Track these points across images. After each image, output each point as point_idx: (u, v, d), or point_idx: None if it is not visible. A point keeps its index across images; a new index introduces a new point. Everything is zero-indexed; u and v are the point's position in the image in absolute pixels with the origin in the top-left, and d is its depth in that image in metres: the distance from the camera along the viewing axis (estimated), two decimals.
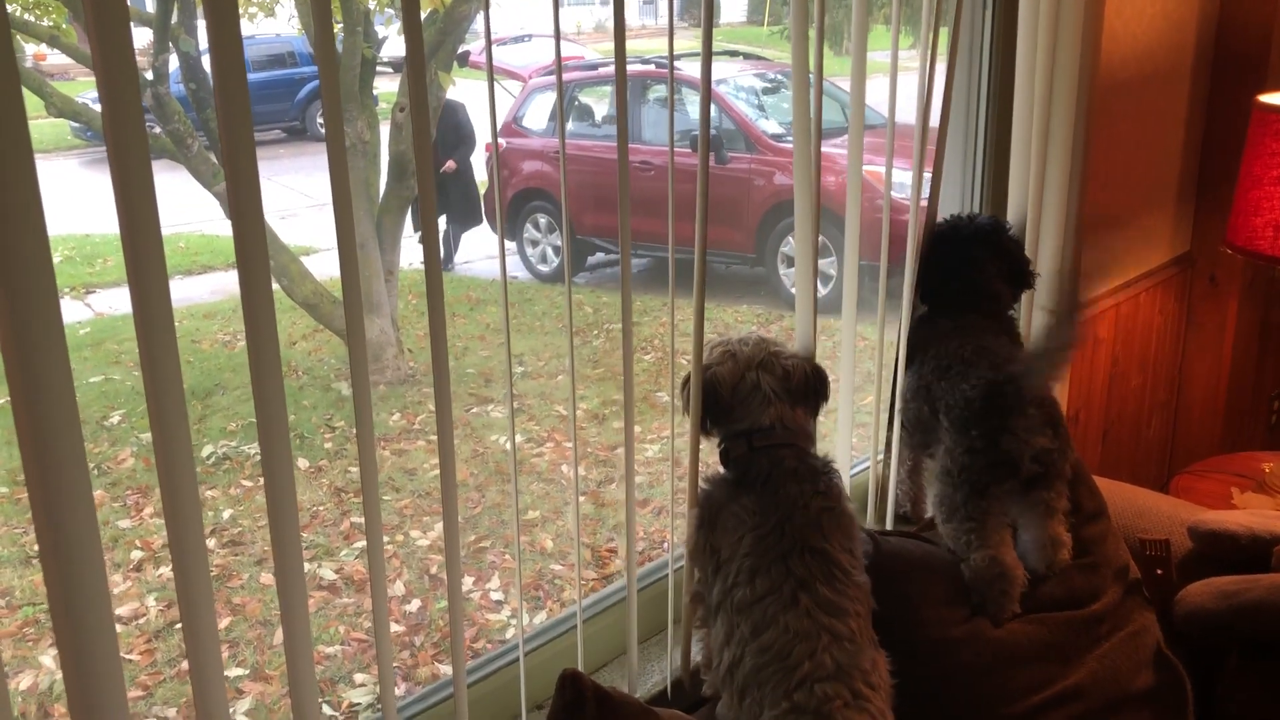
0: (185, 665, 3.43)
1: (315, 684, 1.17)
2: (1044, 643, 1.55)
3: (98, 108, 0.90)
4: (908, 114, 1.82)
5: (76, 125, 8.65)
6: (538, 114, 7.61)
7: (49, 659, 3.38)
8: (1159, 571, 1.79)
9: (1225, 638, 1.70)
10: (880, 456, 1.94)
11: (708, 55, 1.38)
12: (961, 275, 1.78)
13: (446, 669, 3.39)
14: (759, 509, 1.38)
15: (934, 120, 1.81)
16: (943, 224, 1.85)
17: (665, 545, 4.09)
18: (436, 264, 1.21)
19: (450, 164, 7.11)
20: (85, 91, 6.58)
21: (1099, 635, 1.61)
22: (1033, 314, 2.11)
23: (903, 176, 1.85)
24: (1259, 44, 2.68)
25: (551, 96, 7.58)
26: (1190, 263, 2.89)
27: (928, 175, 1.86)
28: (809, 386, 1.46)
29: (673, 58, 1.49)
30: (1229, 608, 1.67)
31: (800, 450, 1.43)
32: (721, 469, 1.47)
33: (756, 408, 1.43)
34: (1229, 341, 2.90)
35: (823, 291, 6.33)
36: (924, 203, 1.83)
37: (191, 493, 1.00)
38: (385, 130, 5.66)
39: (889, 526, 1.93)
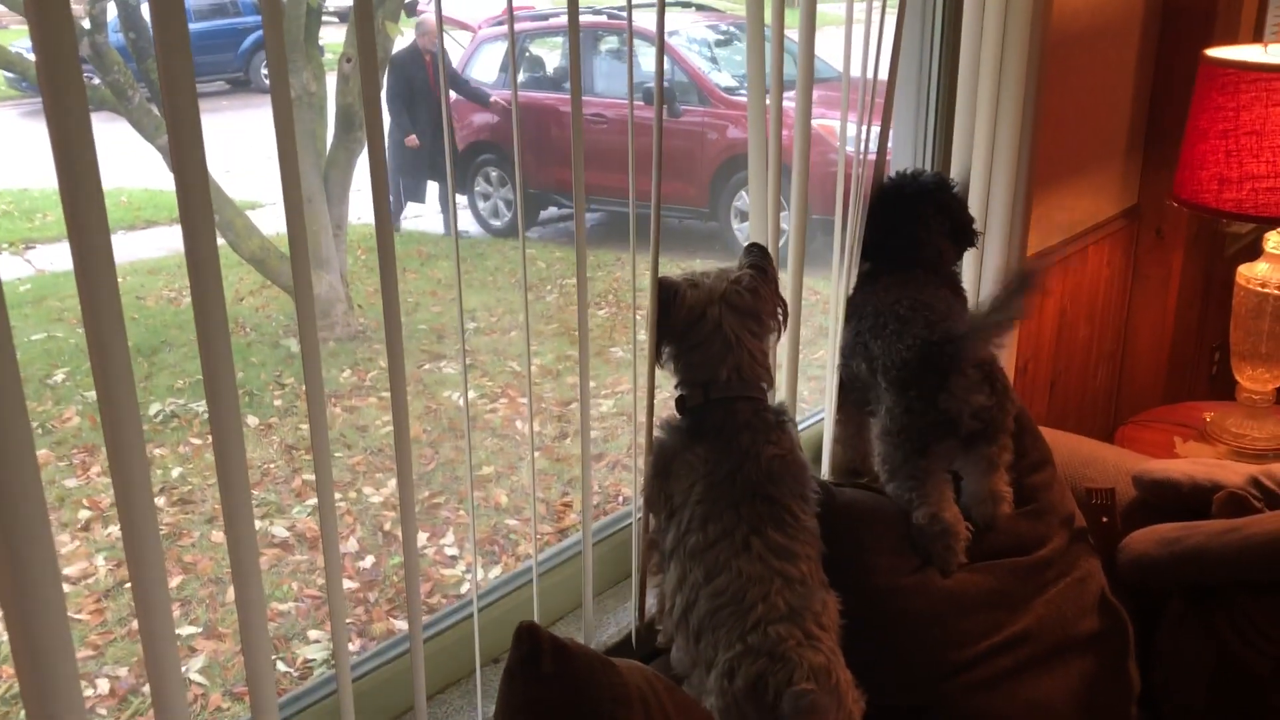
0: (136, 624, 3.40)
1: (269, 640, 1.16)
2: (991, 589, 1.58)
3: (33, 57, 0.87)
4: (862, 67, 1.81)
5: (11, 75, 8.40)
6: (487, 66, 7.51)
7: None
8: (1104, 519, 1.82)
9: (1167, 583, 1.75)
10: (836, 414, 1.95)
11: (662, 6, 1.37)
12: (903, 232, 1.78)
13: (401, 624, 3.39)
14: (711, 457, 1.39)
15: (884, 73, 1.81)
16: (887, 181, 1.85)
17: (620, 499, 4.11)
18: (387, 220, 1.19)
19: (413, 139, 6.93)
20: (19, 40, 6.39)
21: (1045, 581, 1.64)
22: (981, 271, 2.13)
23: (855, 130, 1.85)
24: None
25: (500, 48, 7.48)
26: (1138, 216, 2.92)
27: (878, 128, 1.86)
28: (767, 306, 1.46)
29: (631, 6, 1.47)
30: (1170, 554, 1.71)
31: (756, 402, 1.43)
32: (677, 414, 1.47)
33: (716, 355, 1.42)
34: (1173, 294, 2.95)
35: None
36: (873, 156, 1.83)
37: (138, 450, 0.99)
38: (332, 81, 5.56)
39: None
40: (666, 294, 1.44)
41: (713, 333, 1.42)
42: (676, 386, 1.48)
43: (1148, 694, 1.72)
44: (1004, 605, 1.58)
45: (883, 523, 1.58)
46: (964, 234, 1.84)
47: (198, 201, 0.99)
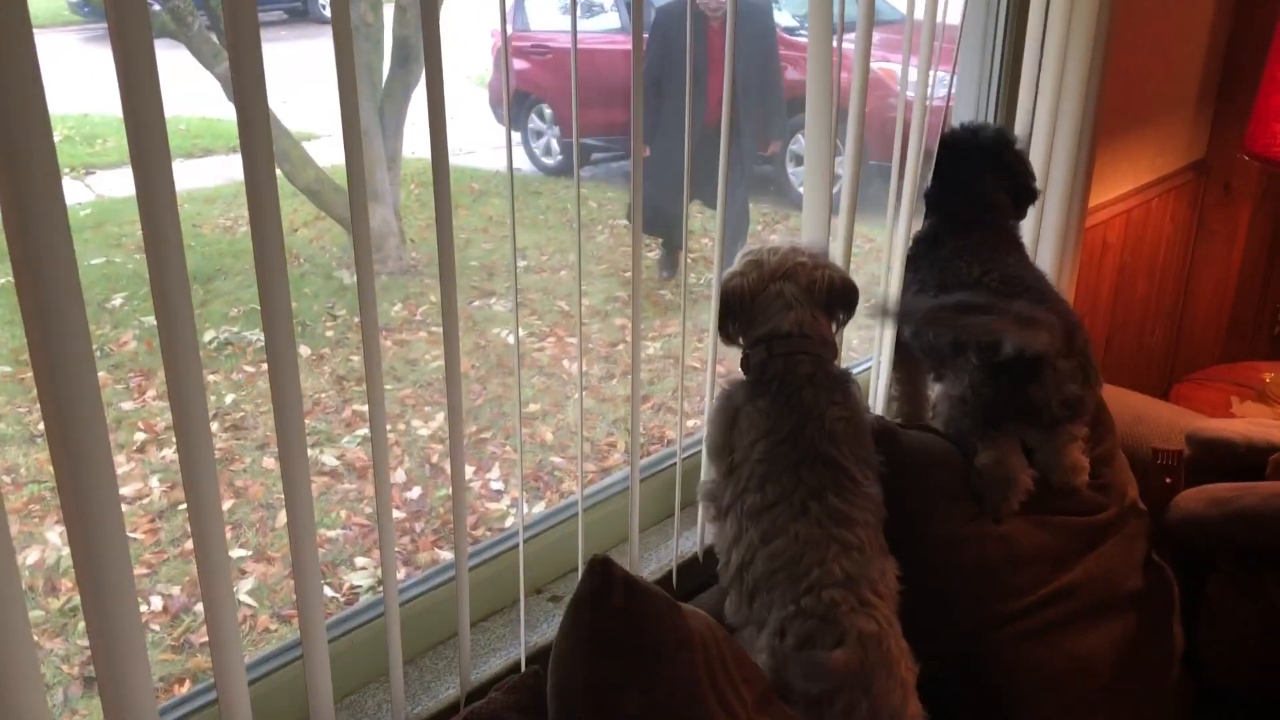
0: (189, 545, 3.49)
1: (318, 566, 1.19)
2: (1044, 544, 1.57)
3: None
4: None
5: (74, 1, 8.47)
6: (542, 7, 7.42)
7: (55, 535, 3.44)
8: (1168, 480, 1.80)
9: (1216, 543, 1.73)
10: (894, 372, 1.93)
11: None
12: (963, 188, 1.75)
13: (446, 555, 3.45)
14: (775, 413, 1.39)
15: (951, 17, 1.77)
16: (947, 134, 1.81)
17: (665, 442, 4.13)
18: (444, 154, 1.19)
19: (776, 145, 5.01)
20: None
21: (1095, 540, 1.62)
22: (1040, 226, 2.08)
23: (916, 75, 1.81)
24: None
25: None
26: (1205, 170, 2.85)
27: (942, 74, 1.82)
28: (835, 296, 1.47)
29: None
30: (1221, 514, 1.69)
31: (818, 358, 1.43)
32: (742, 373, 1.48)
33: (776, 313, 1.43)
34: (1239, 252, 2.88)
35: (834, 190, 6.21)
36: (938, 102, 1.79)
37: (196, 372, 1.00)
38: (390, 13, 5.53)
39: None
40: (732, 300, 1.46)
41: (775, 299, 1.43)
42: (743, 347, 1.48)
43: (1193, 654, 1.71)
44: (1054, 560, 1.57)
45: (947, 468, 1.57)
46: (1024, 192, 1.80)
47: (258, 130, 0.99)
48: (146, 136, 0.92)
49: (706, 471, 1.53)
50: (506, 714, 1.11)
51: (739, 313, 1.46)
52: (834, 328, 1.49)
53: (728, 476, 1.42)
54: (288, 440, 1.10)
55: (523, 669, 1.43)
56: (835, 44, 1.56)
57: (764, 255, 1.47)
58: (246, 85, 0.97)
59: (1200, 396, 2.46)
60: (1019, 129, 2.04)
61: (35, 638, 0.94)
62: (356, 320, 4.98)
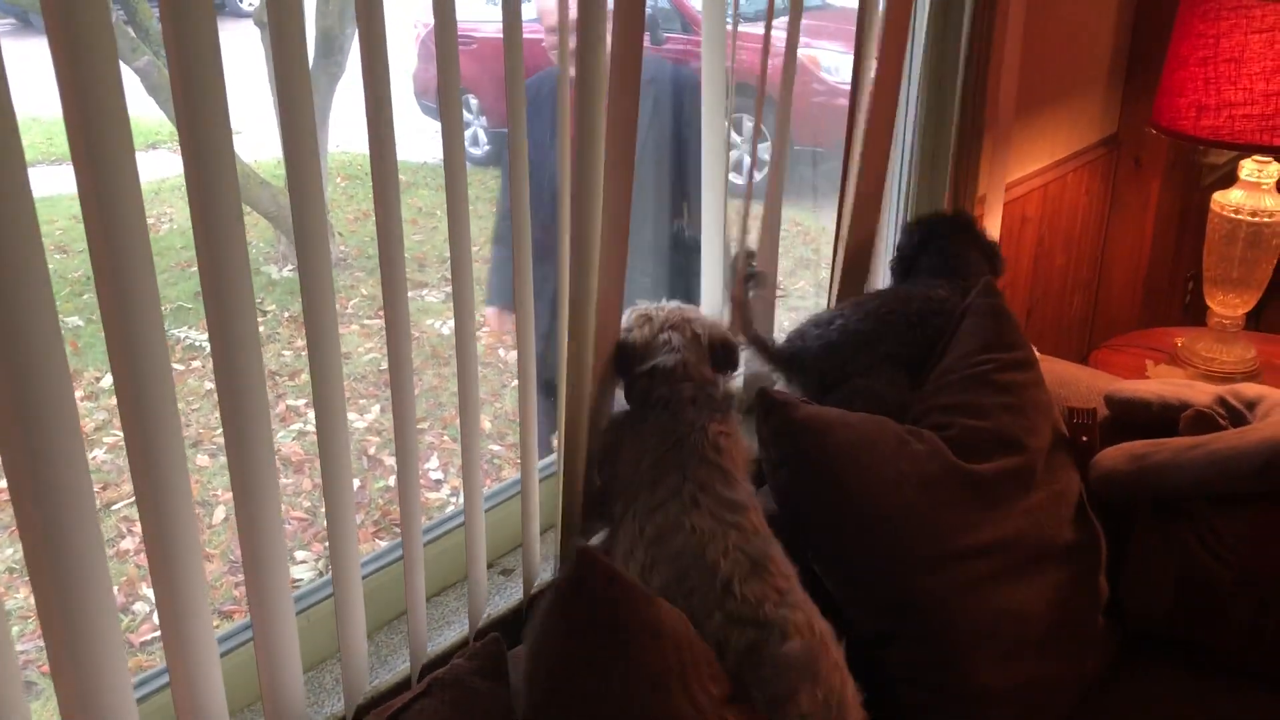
0: (123, 545, 3.45)
1: (283, 540, 1.21)
2: (973, 484, 1.63)
3: None
4: None
5: None
6: None
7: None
8: (1084, 439, 1.88)
9: (1135, 497, 1.81)
10: None
11: None
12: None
13: (385, 544, 3.45)
14: (658, 432, 1.46)
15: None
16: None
17: None
18: (392, 153, 1.21)
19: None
20: None
21: (1027, 489, 1.68)
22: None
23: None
24: None
25: None
26: (1117, 144, 2.95)
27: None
28: (717, 353, 1.56)
29: None
30: (1138, 469, 1.77)
31: (700, 383, 1.51)
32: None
33: (662, 353, 1.51)
34: (1150, 223, 3.00)
35: (758, 177, 6.30)
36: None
37: (164, 369, 1.02)
38: (311, 4, 5.48)
39: None
40: (624, 356, 1.54)
41: (662, 345, 1.53)
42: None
43: (1114, 603, 1.79)
44: (976, 506, 1.62)
45: (846, 428, 1.60)
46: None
47: (216, 122, 1.01)
48: (107, 135, 0.94)
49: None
50: (469, 679, 1.14)
51: (631, 365, 1.54)
52: (719, 381, 1.57)
53: (615, 497, 1.49)
54: (248, 387, 1.12)
55: (470, 641, 1.46)
56: (766, 30, 1.61)
57: (652, 312, 1.57)
58: (205, 77, 0.99)
59: (1117, 361, 2.56)
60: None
61: None
62: (286, 315, 4.94)
